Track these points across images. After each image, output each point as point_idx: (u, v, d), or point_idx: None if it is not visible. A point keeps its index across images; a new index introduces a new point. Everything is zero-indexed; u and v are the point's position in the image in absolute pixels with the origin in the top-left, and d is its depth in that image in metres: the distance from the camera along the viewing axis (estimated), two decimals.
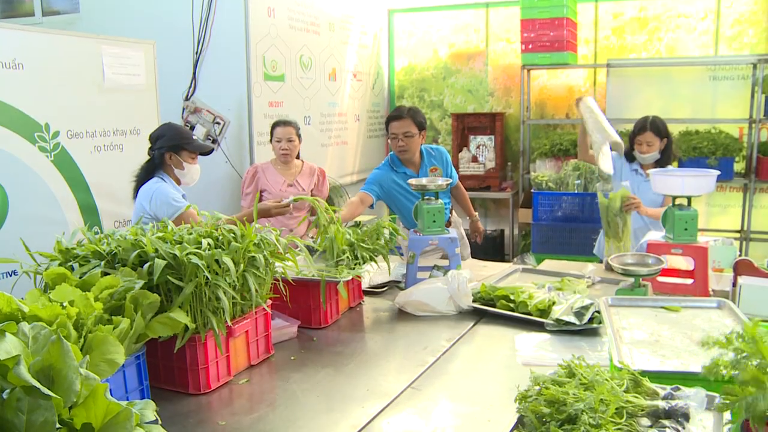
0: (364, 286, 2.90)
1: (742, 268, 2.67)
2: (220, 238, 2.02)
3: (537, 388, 1.47)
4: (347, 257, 2.60)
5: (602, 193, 3.45)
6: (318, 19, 5.22)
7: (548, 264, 3.41)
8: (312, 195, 3.98)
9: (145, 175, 3.21)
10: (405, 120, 3.44)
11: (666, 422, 1.33)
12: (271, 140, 3.96)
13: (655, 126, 3.59)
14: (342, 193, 4.72)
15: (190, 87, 4.71)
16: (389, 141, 3.55)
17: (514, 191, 6.05)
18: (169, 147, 3.16)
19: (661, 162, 3.65)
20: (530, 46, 5.55)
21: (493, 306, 2.59)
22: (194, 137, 3.33)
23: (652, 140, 3.59)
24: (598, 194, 3.41)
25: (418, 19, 6.52)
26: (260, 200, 3.81)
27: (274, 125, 3.91)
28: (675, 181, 2.80)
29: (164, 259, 1.83)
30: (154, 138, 3.22)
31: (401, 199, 3.56)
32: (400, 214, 3.69)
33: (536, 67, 5.80)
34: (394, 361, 2.19)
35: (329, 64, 5.44)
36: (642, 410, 1.37)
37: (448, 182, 3.05)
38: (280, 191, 3.83)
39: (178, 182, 3.25)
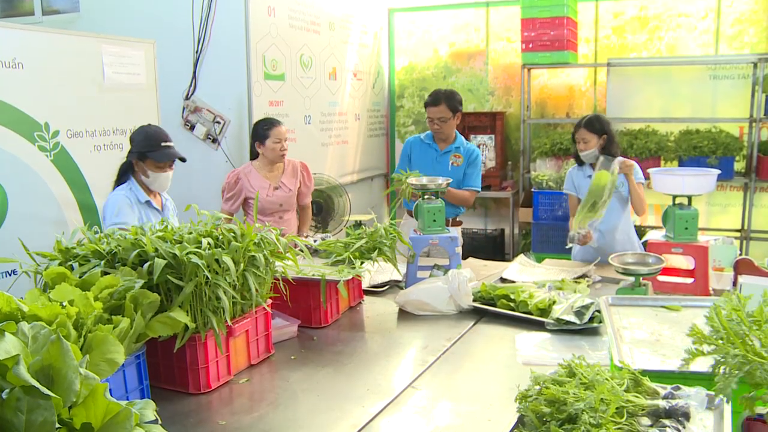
0: (364, 285, 2.90)
1: (742, 267, 2.67)
2: (220, 237, 2.02)
3: (537, 387, 1.46)
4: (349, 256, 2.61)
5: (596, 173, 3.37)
6: (318, 19, 5.21)
7: (549, 263, 3.42)
8: (300, 192, 3.87)
9: (119, 177, 3.11)
10: (440, 106, 3.79)
11: (666, 422, 1.33)
12: (263, 141, 3.69)
13: (589, 123, 3.55)
14: (342, 193, 4.70)
15: (190, 86, 4.71)
16: (427, 120, 3.92)
17: (515, 190, 6.04)
18: (136, 154, 3.05)
19: None
20: (530, 46, 5.55)
21: (494, 305, 2.59)
22: (165, 144, 3.06)
23: (588, 137, 3.53)
24: (596, 175, 3.34)
25: (419, 19, 6.51)
26: (246, 206, 3.74)
27: (270, 125, 3.69)
28: (675, 180, 2.80)
29: (164, 258, 1.83)
30: (129, 141, 3.11)
31: (418, 168, 3.74)
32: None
33: (536, 67, 5.79)
34: (394, 361, 2.19)
35: (329, 63, 5.43)
36: (642, 410, 1.36)
37: (449, 181, 3.05)
38: (267, 196, 3.71)
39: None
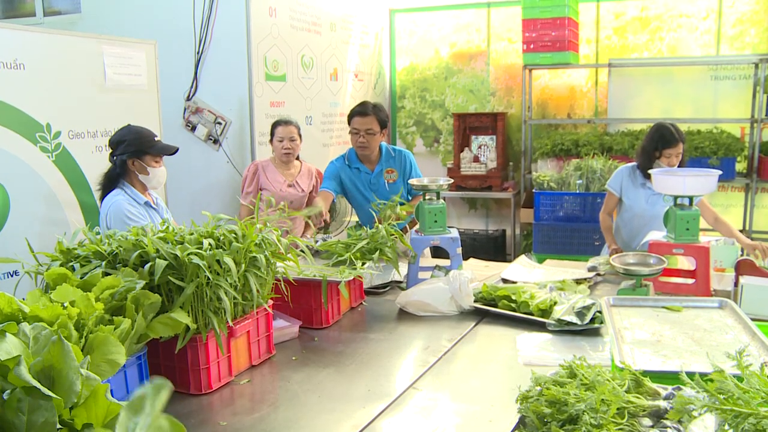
0: (366, 286, 2.90)
1: (743, 268, 2.67)
2: (221, 238, 2.02)
3: (538, 388, 1.46)
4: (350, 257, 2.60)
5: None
6: (319, 19, 5.22)
7: (550, 264, 3.41)
8: (311, 196, 3.97)
9: (109, 183, 3.04)
10: (369, 117, 3.47)
11: (667, 422, 1.33)
12: (271, 140, 3.93)
13: (682, 135, 3.36)
14: None
15: (191, 87, 4.72)
16: (350, 135, 3.57)
17: (516, 191, 6.04)
18: (131, 153, 2.98)
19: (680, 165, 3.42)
20: (532, 46, 5.55)
21: (495, 306, 2.59)
22: (156, 138, 3.08)
23: (681, 149, 3.37)
24: None
25: (420, 19, 6.52)
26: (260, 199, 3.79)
27: (275, 124, 3.89)
28: (676, 180, 2.79)
29: (165, 259, 1.83)
30: (114, 143, 3.02)
31: (355, 194, 3.62)
32: (355, 209, 3.80)
33: (538, 67, 5.79)
34: (395, 362, 2.18)
35: (331, 64, 5.44)
36: (643, 410, 1.36)
37: (449, 182, 3.05)
38: (280, 191, 3.80)
39: (144, 188, 3.07)
